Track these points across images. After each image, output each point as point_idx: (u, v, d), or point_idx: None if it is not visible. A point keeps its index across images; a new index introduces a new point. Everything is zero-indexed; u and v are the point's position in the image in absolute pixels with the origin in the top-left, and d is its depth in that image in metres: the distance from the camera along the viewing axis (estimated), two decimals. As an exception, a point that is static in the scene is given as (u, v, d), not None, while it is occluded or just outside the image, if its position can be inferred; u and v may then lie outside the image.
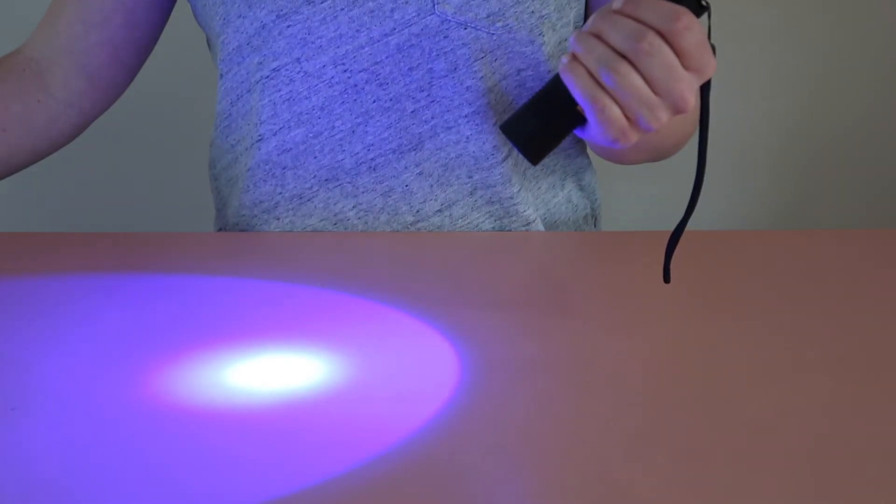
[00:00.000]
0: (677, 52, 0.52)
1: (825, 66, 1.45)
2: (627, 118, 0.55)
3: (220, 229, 0.83)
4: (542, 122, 0.58)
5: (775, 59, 1.45)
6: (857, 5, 1.43)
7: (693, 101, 0.54)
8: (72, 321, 0.55)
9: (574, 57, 0.55)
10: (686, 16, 0.52)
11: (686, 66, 0.53)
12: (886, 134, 1.49)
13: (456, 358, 0.49)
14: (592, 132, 0.57)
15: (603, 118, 0.54)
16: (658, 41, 0.52)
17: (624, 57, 0.53)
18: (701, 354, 0.50)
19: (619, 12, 0.53)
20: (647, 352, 0.51)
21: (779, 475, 0.39)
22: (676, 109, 0.54)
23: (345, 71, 0.70)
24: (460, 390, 0.46)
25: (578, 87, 0.54)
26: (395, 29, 0.69)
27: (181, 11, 0.80)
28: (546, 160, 0.77)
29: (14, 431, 0.42)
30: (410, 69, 0.70)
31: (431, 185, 0.73)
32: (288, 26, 0.70)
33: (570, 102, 0.56)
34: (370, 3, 0.69)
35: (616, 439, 0.41)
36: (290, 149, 0.72)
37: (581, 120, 0.57)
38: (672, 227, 0.56)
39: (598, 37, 0.54)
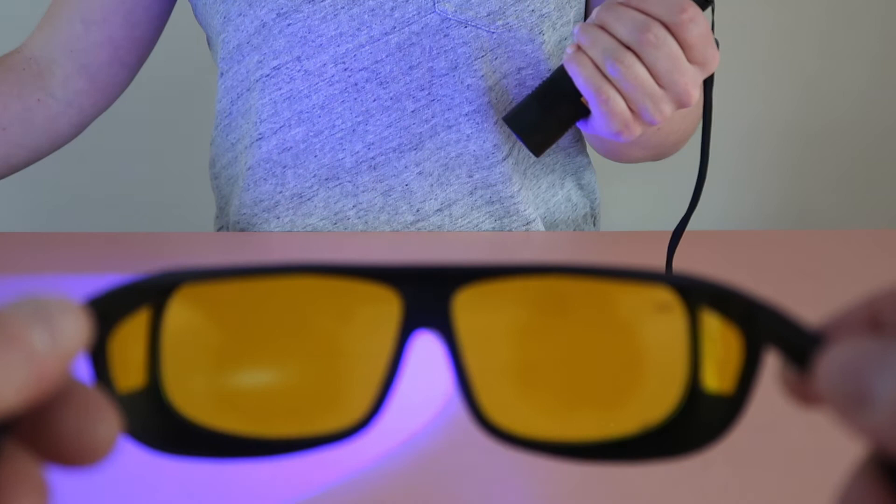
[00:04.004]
0: (682, 45, 0.52)
1: (828, 65, 1.45)
2: (631, 110, 0.54)
3: (220, 228, 0.83)
4: (546, 113, 0.58)
5: (776, 56, 1.45)
6: (861, 3, 1.43)
7: (696, 94, 0.54)
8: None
9: (579, 48, 0.55)
10: (692, 8, 0.52)
11: (690, 59, 0.53)
12: (887, 134, 1.49)
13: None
14: (596, 124, 0.57)
15: (607, 109, 0.54)
16: (663, 33, 0.52)
17: (629, 48, 0.53)
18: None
19: (624, 4, 0.53)
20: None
21: (779, 475, 0.38)
22: (680, 102, 0.54)
23: (345, 69, 0.70)
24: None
25: (583, 78, 0.54)
26: (395, 27, 0.69)
27: (181, 11, 0.80)
28: (546, 159, 0.77)
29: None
30: (411, 68, 0.70)
31: (431, 185, 0.72)
32: (288, 24, 0.70)
33: (575, 94, 0.56)
34: (370, 2, 0.69)
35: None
36: (291, 147, 0.72)
37: (584, 112, 0.57)
38: (671, 226, 0.56)
39: (603, 28, 0.54)
